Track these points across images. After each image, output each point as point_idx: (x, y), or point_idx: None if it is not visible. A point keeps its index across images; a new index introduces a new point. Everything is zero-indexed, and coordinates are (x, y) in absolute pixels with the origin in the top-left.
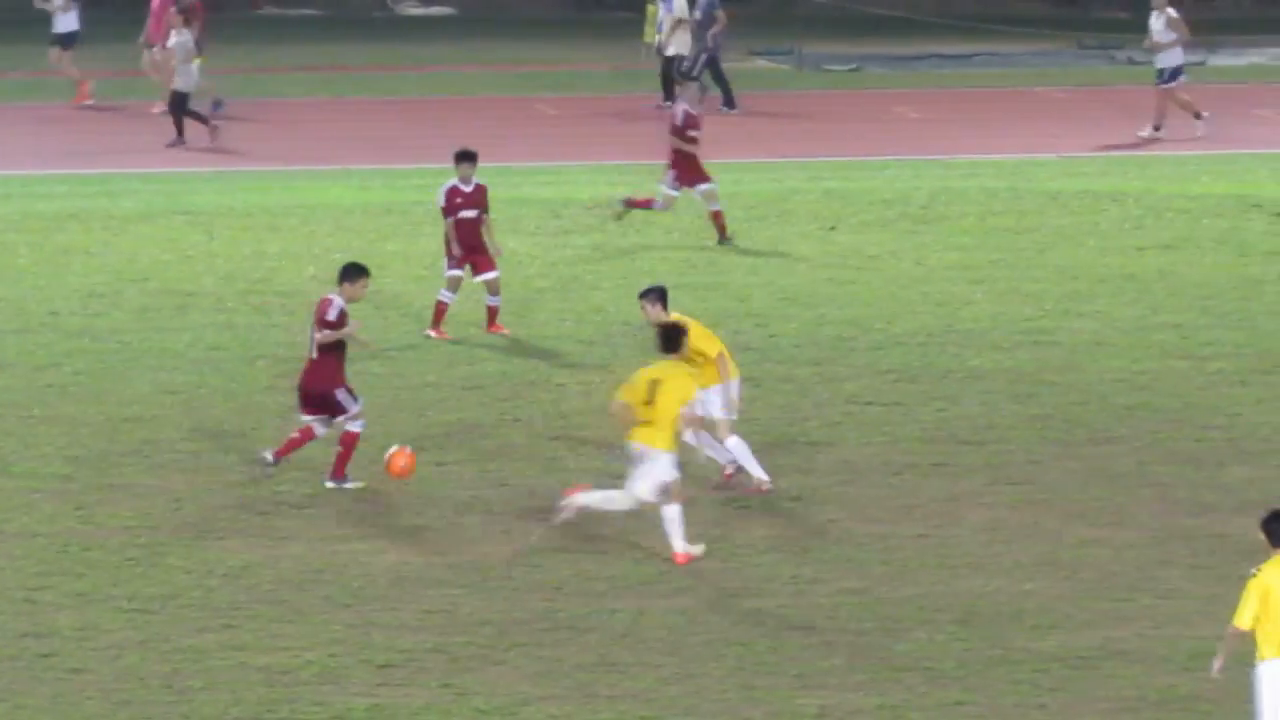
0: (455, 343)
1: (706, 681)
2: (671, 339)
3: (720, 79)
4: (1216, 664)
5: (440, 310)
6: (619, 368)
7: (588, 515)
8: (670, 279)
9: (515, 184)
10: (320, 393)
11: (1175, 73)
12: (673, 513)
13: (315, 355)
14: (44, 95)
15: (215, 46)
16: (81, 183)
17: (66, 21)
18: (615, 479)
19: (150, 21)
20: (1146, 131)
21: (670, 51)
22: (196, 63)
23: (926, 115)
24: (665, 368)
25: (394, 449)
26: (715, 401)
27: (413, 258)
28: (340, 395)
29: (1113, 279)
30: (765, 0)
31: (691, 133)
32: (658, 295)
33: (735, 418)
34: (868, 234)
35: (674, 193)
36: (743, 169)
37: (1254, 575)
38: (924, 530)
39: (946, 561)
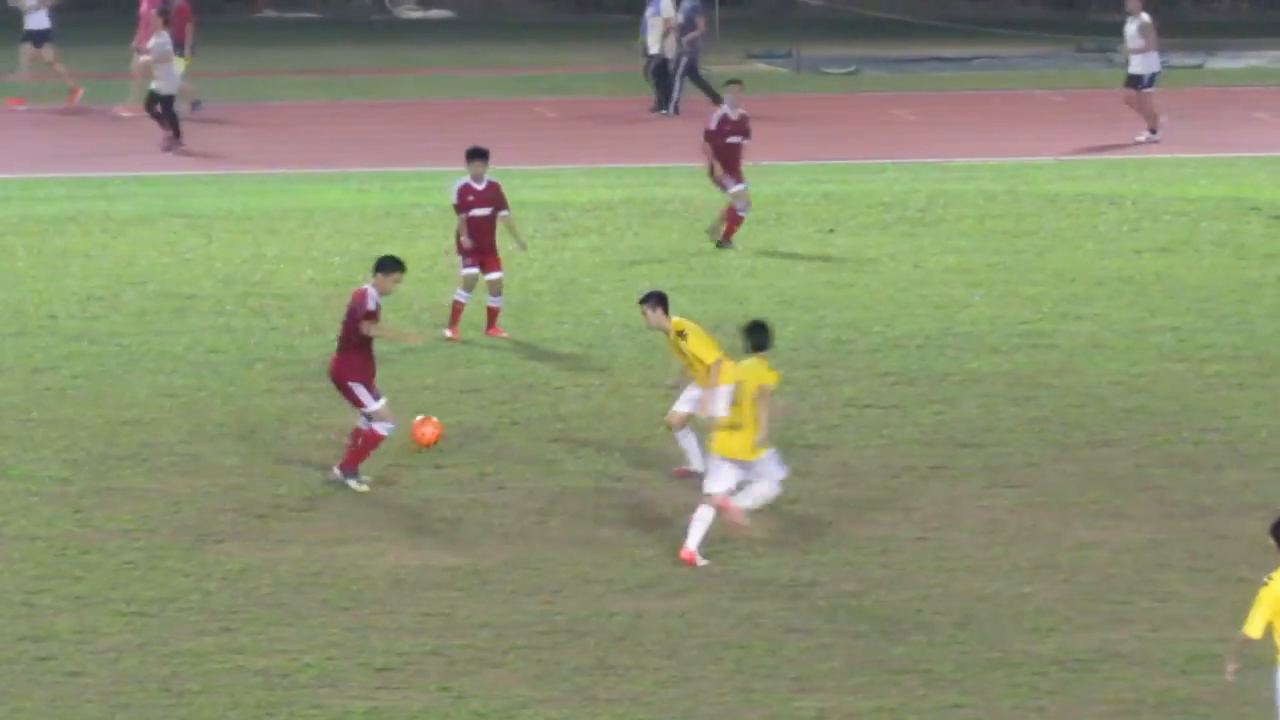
0: (455, 345)
1: (705, 684)
2: (759, 335)
3: (704, 84)
4: (1230, 668)
5: (456, 310)
6: (617, 371)
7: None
8: (668, 282)
9: (514, 187)
10: (339, 384)
11: (1153, 78)
12: (707, 513)
13: (340, 347)
14: (39, 99)
15: (215, 50)
16: (80, 186)
17: (37, 19)
18: (616, 480)
19: (140, 26)
20: (1144, 136)
21: (654, 51)
22: (181, 65)
23: (924, 118)
24: (747, 366)
25: (418, 418)
26: (724, 402)
27: (411, 261)
28: (356, 389)
29: (1110, 282)
30: (763, 3)
31: (732, 138)
32: (658, 300)
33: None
34: (866, 237)
35: (739, 187)
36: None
37: (1265, 584)
38: (922, 533)
39: (944, 564)
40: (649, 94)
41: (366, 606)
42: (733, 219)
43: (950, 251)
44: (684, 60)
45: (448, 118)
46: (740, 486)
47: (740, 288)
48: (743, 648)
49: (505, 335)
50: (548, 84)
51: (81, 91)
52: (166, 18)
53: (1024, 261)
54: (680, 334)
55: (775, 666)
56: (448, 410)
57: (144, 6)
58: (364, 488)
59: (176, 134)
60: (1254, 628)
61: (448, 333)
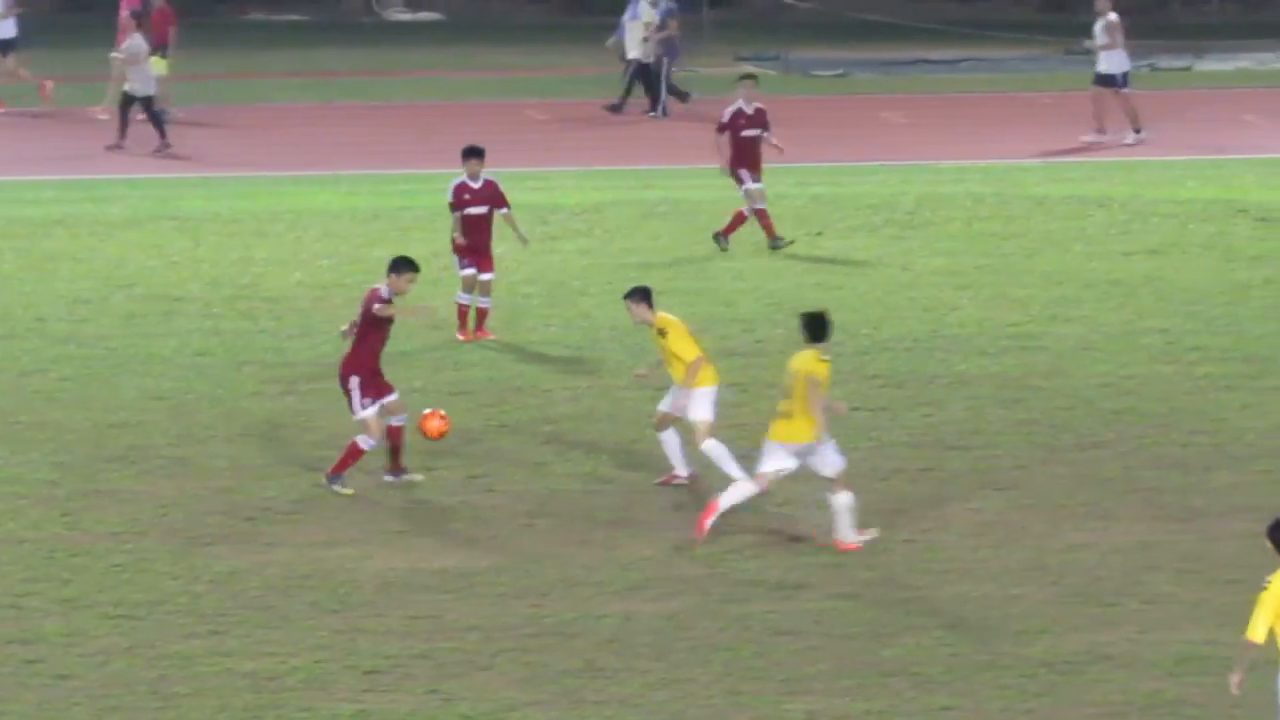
0: (443, 348)
1: (693, 687)
2: (817, 327)
3: (670, 86)
4: (1235, 679)
5: (461, 313)
6: (606, 374)
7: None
8: (658, 284)
9: (503, 189)
10: (340, 382)
11: (1125, 77)
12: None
13: (349, 344)
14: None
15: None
16: (68, 188)
17: (5, 28)
18: (605, 482)
19: (120, 29)
20: (1131, 138)
21: (632, 55)
22: (163, 67)
23: (913, 120)
24: (800, 358)
25: (426, 411)
26: (705, 403)
27: None
28: (351, 387)
29: (1099, 284)
30: (753, 5)
31: (748, 131)
32: (642, 295)
33: (683, 419)
34: (854, 239)
35: (756, 185)
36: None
37: (1265, 588)
38: (911, 535)
39: (933, 567)
40: (639, 97)
41: (355, 609)
42: (736, 218)
43: (939, 254)
44: (665, 62)
45: (437, 119)
46: (795, 469)
47: (729, 290)
48: (732, 650)
49: (493, 337)
50: (537, 86)
51: (51, 84)
52: (139, 20)
53: (1013, 264)
54: (661, 331)
55: (764, 669)
56: None
57: (124, 12)
58: (349, 491)
59: (161, 135)
60: (1257, 632)
61: (459, 335)
